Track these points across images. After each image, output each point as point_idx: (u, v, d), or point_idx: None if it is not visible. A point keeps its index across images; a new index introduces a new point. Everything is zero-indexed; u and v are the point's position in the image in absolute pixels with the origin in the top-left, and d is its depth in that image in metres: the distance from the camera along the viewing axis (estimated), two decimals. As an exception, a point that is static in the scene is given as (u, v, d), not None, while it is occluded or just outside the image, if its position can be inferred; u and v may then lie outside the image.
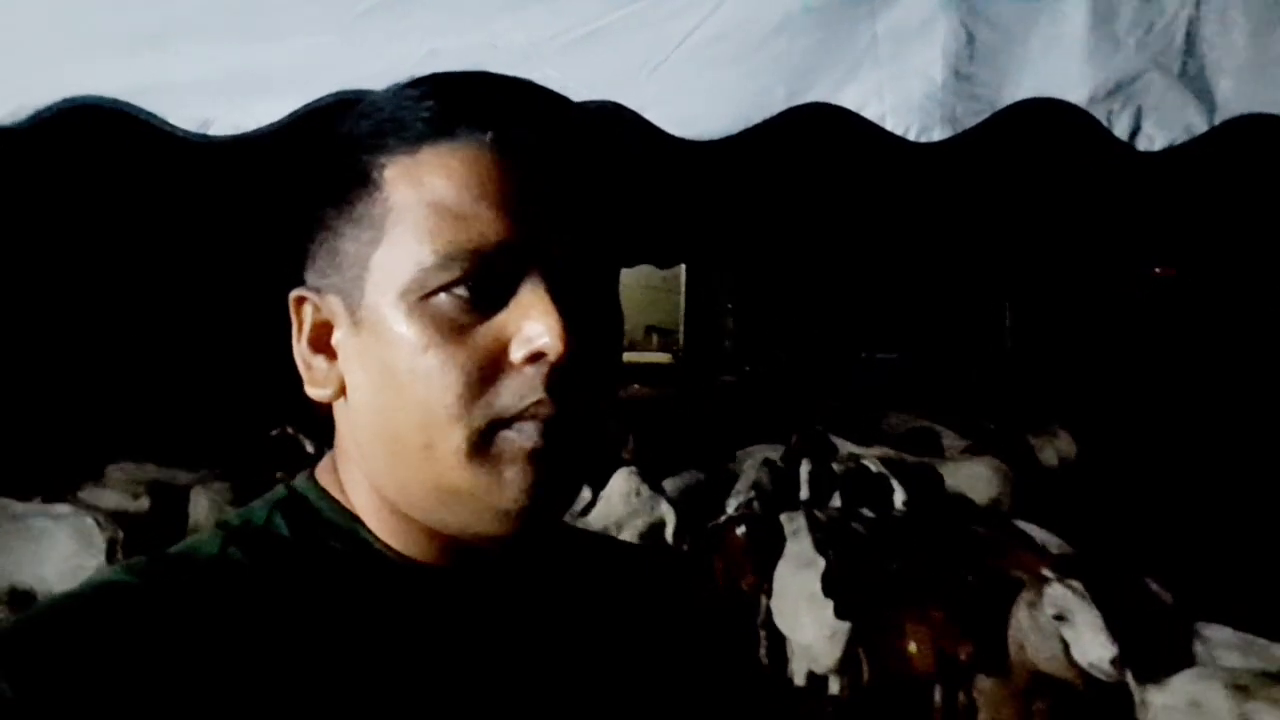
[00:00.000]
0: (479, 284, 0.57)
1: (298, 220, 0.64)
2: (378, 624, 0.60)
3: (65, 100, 1.23)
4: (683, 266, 11.09)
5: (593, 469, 0.65)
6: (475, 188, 0.57)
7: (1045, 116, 1.48)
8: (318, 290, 0.62)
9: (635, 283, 12.94)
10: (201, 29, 1.28)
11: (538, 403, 0.56)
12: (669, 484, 3.66)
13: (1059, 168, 3.76)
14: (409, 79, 0.63)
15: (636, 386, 7.01)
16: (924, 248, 6.44)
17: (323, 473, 0.66)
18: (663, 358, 12.10)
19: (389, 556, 0.62)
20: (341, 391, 0.63)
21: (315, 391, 0.64)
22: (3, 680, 0.50)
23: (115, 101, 1.26)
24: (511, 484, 0.57)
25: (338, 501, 0.64)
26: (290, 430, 4.21)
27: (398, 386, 0.59)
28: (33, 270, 4.74)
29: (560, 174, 0.59)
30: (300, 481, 0.67)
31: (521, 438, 0.57)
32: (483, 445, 0.57)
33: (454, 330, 0.57)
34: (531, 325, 0.57)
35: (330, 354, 0.63)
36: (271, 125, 1.29)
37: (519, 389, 0.57)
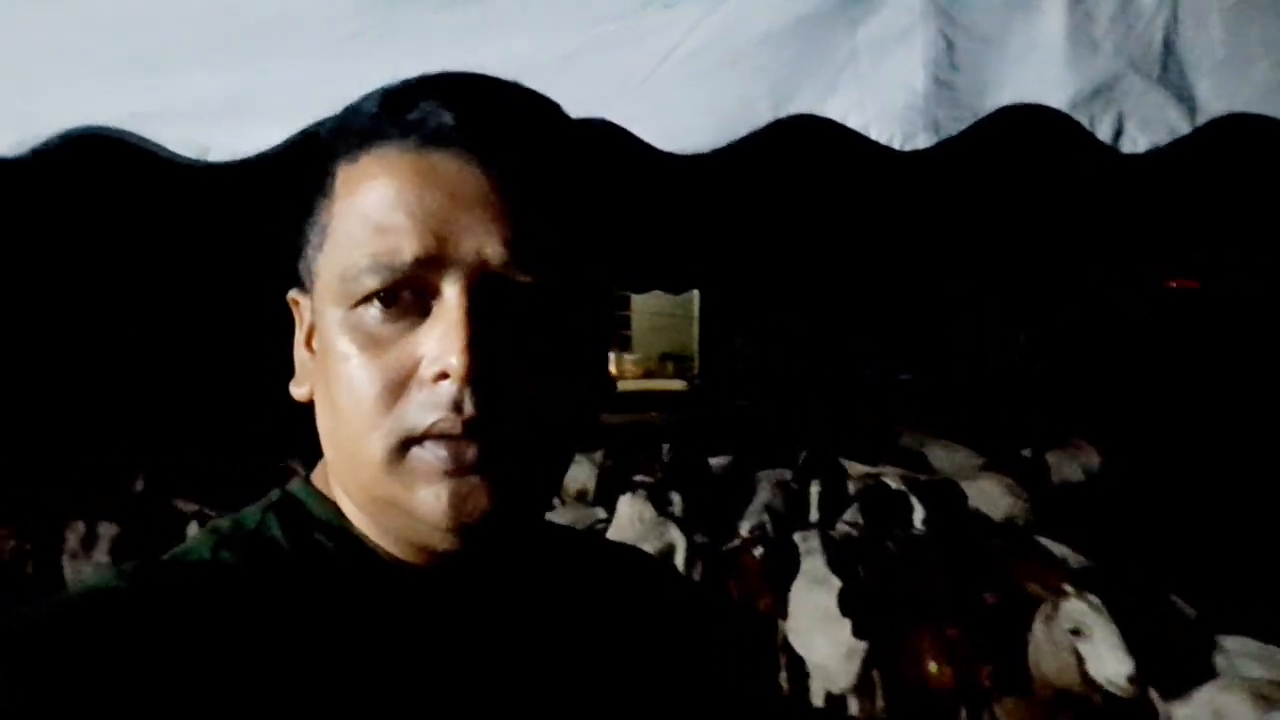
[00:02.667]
0: (397, 297, 0.57)
1: (290, 223, 0.65)
2: (371, 626, 0.60)
3: (67, 130, 1.28)
4: (696, 293, 11.11)
5: (540, 486, 0.62)
6: (395, 197, 0.57)
7: (1033, 123, 1.50)
8: (305, 291, 0.64)
9: (648, 310, 12.98)
10: (197, 56, 1.32)
11: (440, 421, 0.55)
12: (678, 506, 3.65)
13: (1063, 177, 3.76)
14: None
15: (654, 414, 7.00)
16: (934, 264, 6.43)
17: (318, 477, 0.67)
18: (678, 385, 12.09)
19: (381, 558, 0.62)
20: (311, 395, 0.64)
21: (293, 389, 0.66)
22: None
23: (115, 130, 1.30)
24: (426, 500, 0.57)
25: (332, 504, 0.64)
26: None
27: (331, 394, 0.60)
28: (35, 296, 4.78)
29: (502, 182, 0.57)
30: (295, 485, 0.67)
31: (429, 455, 0.56)
32: (397, 460, 0.57)
33: (373, 342, 0.57)
34: (438, 343, 0.56)
35: (312, 354, 0.64)
36: (269, 150, 1.33)
37: (425, 406, 0.56)
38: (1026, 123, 1.49)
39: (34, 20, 1.30)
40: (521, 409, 0.57)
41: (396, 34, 1.30)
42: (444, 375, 0.55)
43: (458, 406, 0.55)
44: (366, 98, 0.62)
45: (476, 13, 1.36)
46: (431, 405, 0.56)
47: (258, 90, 1.33)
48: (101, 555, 3.42)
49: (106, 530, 3.49)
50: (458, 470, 0.56)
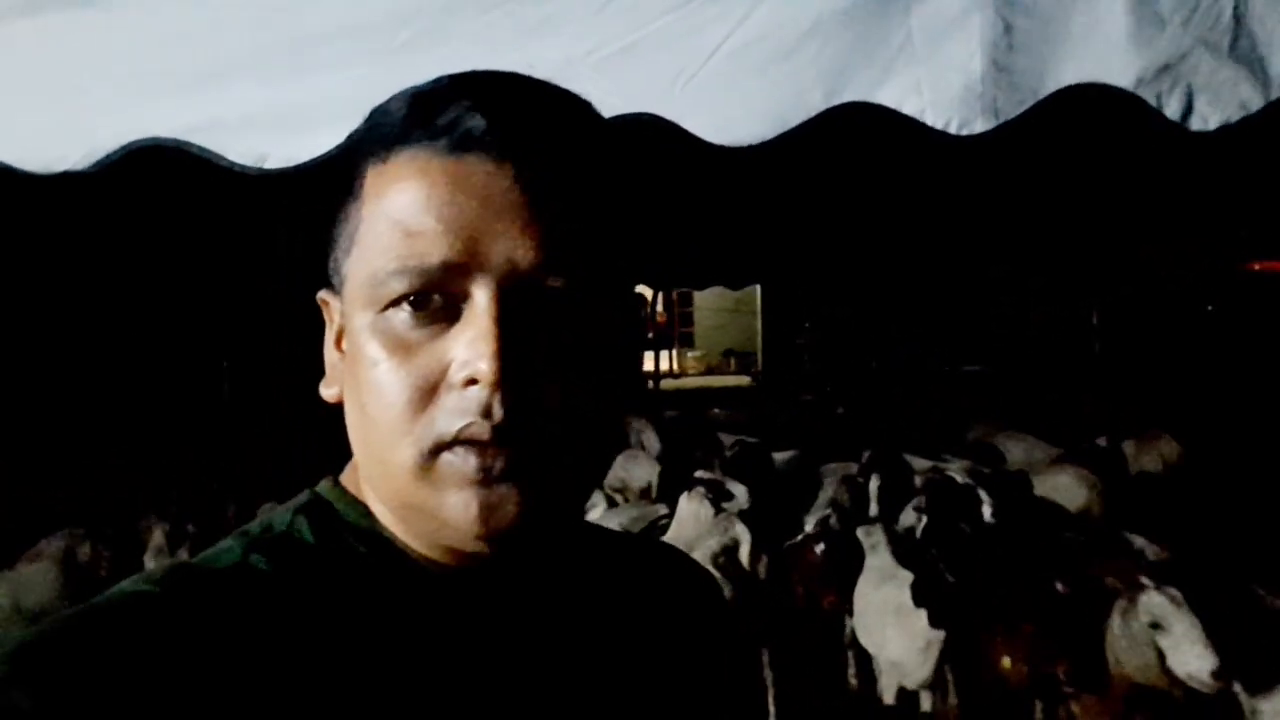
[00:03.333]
0: (427, 301, 0.56)
1: (320, 225, 0.65)
2: (401, 629, 0.59)
3: (130, 142, 1.31)
4: (758, 288, 11.05)
5: (571, 492, 0.61)
6: (425, 200, 0.56)
7: (1096, 105, 1.46)
8: (336, 293, 0.64)
9: (710, 306, 12.95)
10: (252, 68, 1.35)
11: (470, 426, 0.55)
12: (742, 500, 3.64)
13: (1130, 158, 3.65)
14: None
15: (717, 410, 6.97)
16: (999, 251, 6.30)
17: (348, 478, 0.66)
18: (742, 380, 12.04)
19: (413, 559, 0.62)
20: (341, 398, 0.64)
21: (323, 390, 0.65)
22: (20, 693, 0.48)
23: (176, 141, 1.33)
24: (457, 507, 0.56)
25: (362, 506, 0.64)
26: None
27: (360, 398, 0.59)
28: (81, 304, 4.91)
29: (533, 186, 0.56)
30: (324, 486, 0.67)
31: (459, 461, 0.56)
32: (427, 466, 0.56)
33: (403, 347, 0.57)
34: (468, 348, 0.55)
35: (342, 355, 0.64)
36: (323, 155, 1.35)
37: (455, 412, 0.55)
38: (1085, 105, 1.45)
39: (94, 38, 1.34)
40: (552, 415, 0.56)
41: (447, 39, 1.32)
42: (473, 380, 0.55)
43: (487, 412, 0.54)
44: (394, 98, 0.61)
45: (523, 17, 1.36)
46: (461, 411, 0.55)
47: (312, 99, 1.35)
48: (184, 556, 3.48)
49: (184, 530, 3.57)
50: (487, 478, 0.55)
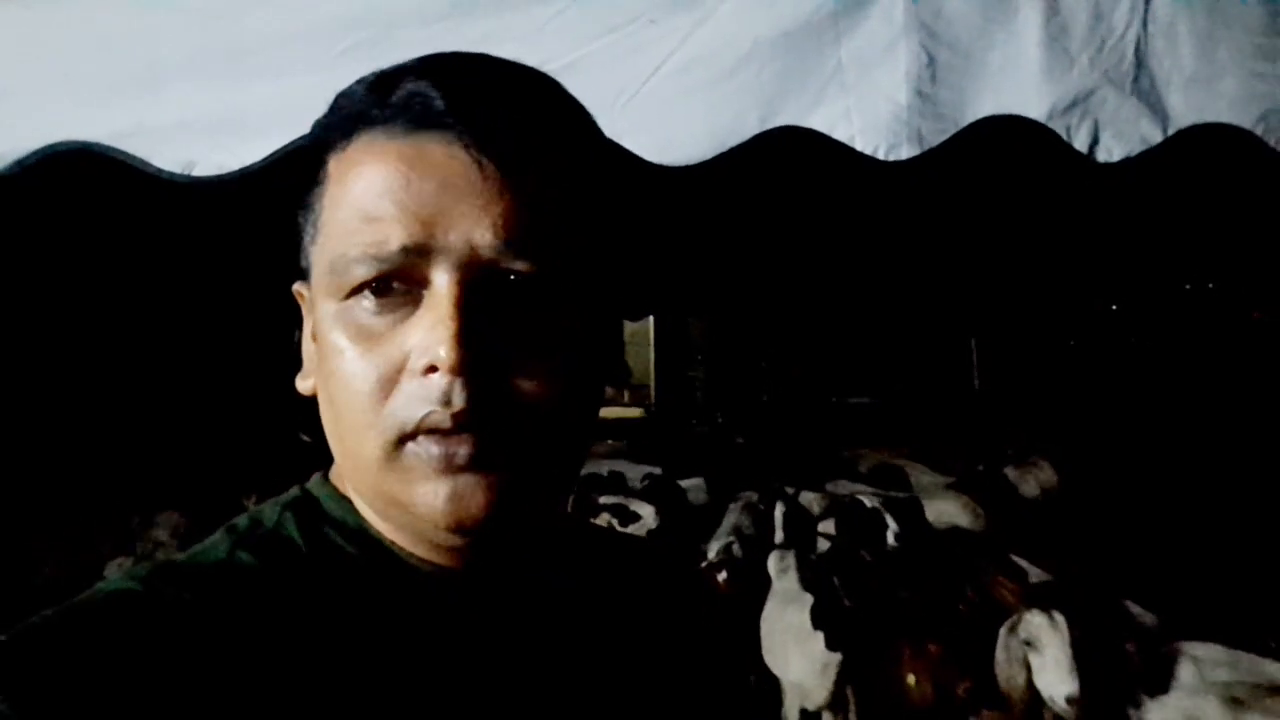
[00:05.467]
0: (388, 288, 0.55)
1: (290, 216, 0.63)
2: (389, 626, 0.59)
3: (49, 146, 1.25)
4: (651, 319, 11.15)
5: (545, 481, 0.60)
6: (383, 184, 0.55)
7: (1009, 136, 1.54)
8: (305, 283, 0.62)
9: (605, 338, 12.94)
10: (183, 72, 1.31)
11: (431, 414, 0.54)
12: (646, 522, 3.65)
13: (1011, 206, 3.85)
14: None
15: (610, 442, 6.97)
16: (888, 290, 6.53)
17: (335, 474, 0.65)
18: (634, 412, 12.09)
19: (398, 556, 0.61)
20: (315, 390, 0.62)
21: (299, 383, 0.64)
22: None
23: (99, 146, 1.27)
24: (425, 496, 0.55)
25: (350, 502, 0.63)
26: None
27: (328, 389, 0.58)
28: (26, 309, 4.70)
29: (494, 167, 0.54)
30: (313, 483, 0.66)
31: (422, 451, 0.55)
32: (393, 456, 0.55)
33: (365, 335, 0.56)
34: (427, 334, 0.54)
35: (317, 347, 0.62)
36: (254, 165, 1.31)
37: (416, 400, 0.54)
38: (991, 140, 1.53)
39: (20, 38, 1.28)
40: (517, 403, 0.55)
41: (388, 50, 1.28)
42: (433, 368, 0.53)
43: (447, 399, 0.53)
44: (358, 82, 0.60)
45: (468, 30, 1.36)
46: (421, 398, 0.54)
47: (246, 106, 1.31)
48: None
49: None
50: (451, 467, 0.54)
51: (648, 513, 3.66)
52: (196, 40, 1.30)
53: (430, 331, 0.53)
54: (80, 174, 1.33)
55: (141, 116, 1.29)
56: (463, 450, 0.54)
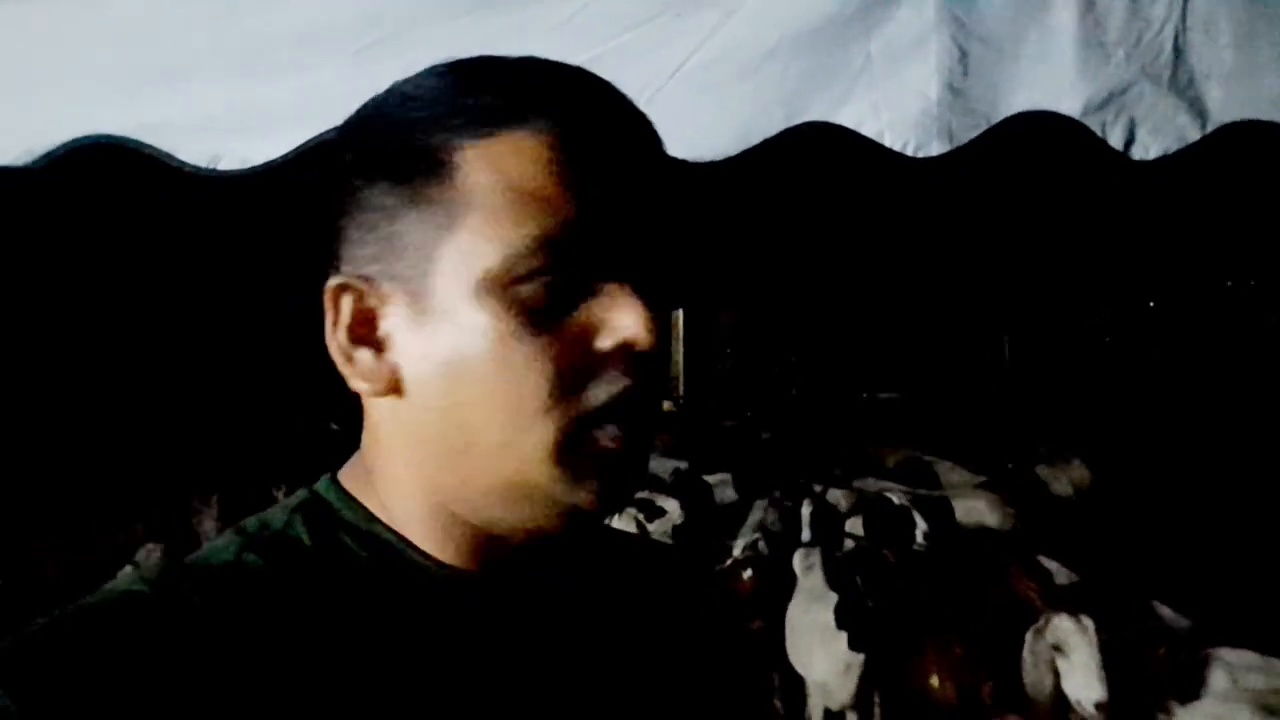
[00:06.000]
0: (564, 272, 0.56)
1: (328, 210, 0.62)
2: (401, 628, 0.58)
3: (76, 139, 1.26)
4: (680, 311, 11.13)
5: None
6: (558, 173, 0.56)
7: (1041, 133, 1.51)
8: (366, 279, 0.59)
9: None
10: (208, 66, 1.31)
11: (626, 391, 0.56)
12: (672, 517, 3.64)
13: (1047, 204, 3.80)
14: (445, 62, 0.61)
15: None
16: (918, 285, 6.47)
17: (347, 476, 0.65)
18: (664, 405, 12.08)
19: (413, 559, 0.61)
20: (393, 386, 0.60)
21: (361, 385, 0.61)
22: (5, 695, 0.48)
23: (125, 139, 1.28)
24: (589, 484, 0.56)
25: (361, 505, 0.63)
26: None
27: (476, 380, 0.57)
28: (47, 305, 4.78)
29: (634, 165, 0.58)
30: (322, 485, 0.65)
31: (606, 437, 0.56)
32: (569, 444, 0.56)
33: (539, 320, 0.56)
34: (621, 316, 0.56)
35: (377, 346, 0.60)
36: (279, 159, 1.31)
37: (608, 381, 0.56)
38: (1023, 136, 1.50)
39: (45, 31, 1.29)
40: (662, 392, 0.59)
41: (410, 45, 1.29)
42: (622, 348, 0.56)
43: (640, 380, 0.56)
44: (447, 75, 0.60)
45: (489, 26, 1.36)
46: (614, 378, 0.56)
47: (270, 101, 1.32)
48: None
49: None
50: (626, 449, 0.57)
51: (673, 507, 3.65)
52: (221, 34, 1.30)
53: (625, 314, 0.55)
54: (108, 167, 1.34)
55: (167, 110, 1.30)
56: (637, 435, 0.57)
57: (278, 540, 0.61)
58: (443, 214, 0.57)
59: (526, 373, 0.55)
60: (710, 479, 4.65)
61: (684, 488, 4.24)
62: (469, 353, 0.57)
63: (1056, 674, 2.61)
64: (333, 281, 0.61)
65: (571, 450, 0.56)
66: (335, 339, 0.61)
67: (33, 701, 0.48)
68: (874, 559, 3.44)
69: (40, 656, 0.50)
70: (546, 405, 0.55)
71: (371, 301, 0.60)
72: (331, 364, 0.61)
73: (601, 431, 0.56)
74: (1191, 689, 2.67)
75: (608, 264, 0.57)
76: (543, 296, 0.56)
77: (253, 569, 0.58)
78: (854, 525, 3.74)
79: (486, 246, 0.56)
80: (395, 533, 0.62)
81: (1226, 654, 2.78)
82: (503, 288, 0.56)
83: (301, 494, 0.65)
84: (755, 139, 1.40)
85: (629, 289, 0.56)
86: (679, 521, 3.52)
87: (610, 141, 0.58)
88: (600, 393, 0.56)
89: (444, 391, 0.58)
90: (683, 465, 4.75)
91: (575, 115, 0.57)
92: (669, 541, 3.36)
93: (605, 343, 0.56)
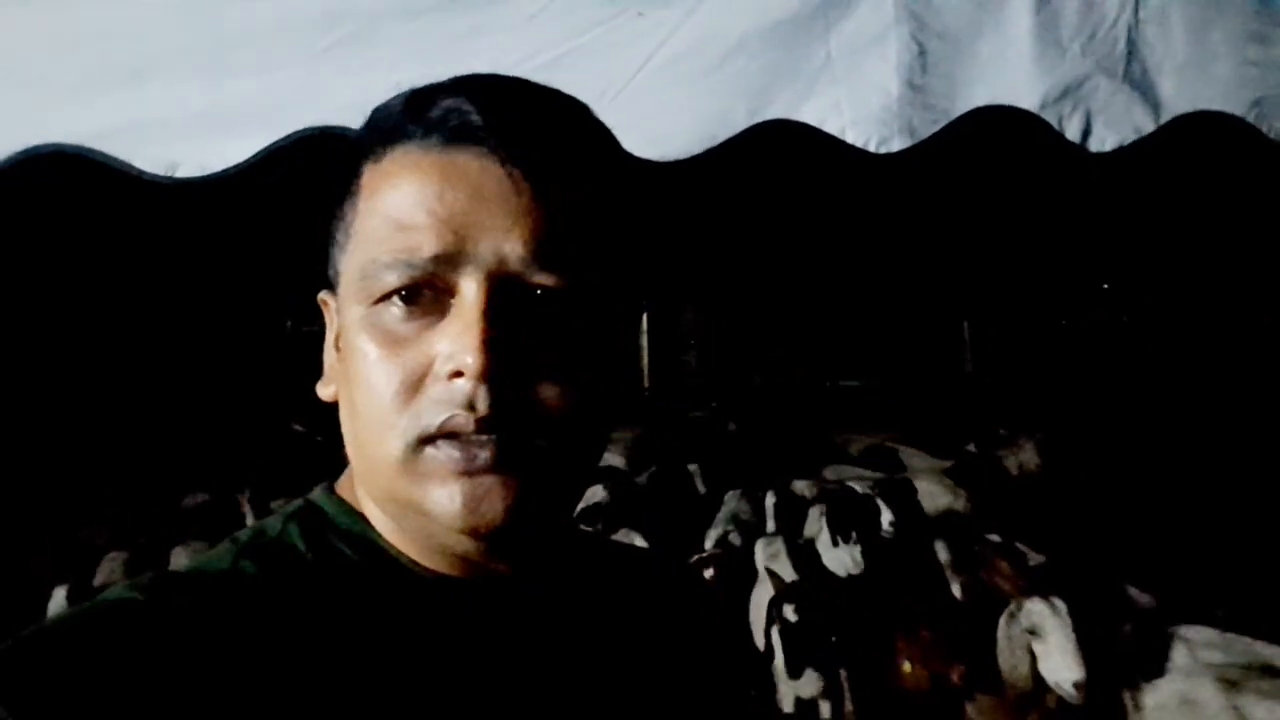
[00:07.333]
0: (417, 295, 0.56)
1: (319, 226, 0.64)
2: (395, 635, 0.59)
3: (27, 149, 1.23)
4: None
5: (559, 491, 0.61)
6: (417, 195, 0.56)
7: (1000, 126, 1.53)
8: (333, 292, 0.63)
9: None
10: (164, 70, 1.28)
11: (454, 418, 0.55)
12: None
13: (1009, 193, 3.84)
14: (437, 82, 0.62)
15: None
16: (880, 275, 6.53)
17: (343, 485, 0.66)
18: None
19: (406, 567, 0.62)
20: (336, 399, 0.63)
21: (320, 389, 0.65)
22: None
23: (78, 148, 1.25)
24: (440, 501, 0.56)
25: (356, 512, 0.64)
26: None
27: (351, 394, 0.59)
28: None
29: (525, 182, 0.56)
30: (317, 494, 0.66)
31: (442, 455, 0.56)
32: (412, 459, 0.56)
33: (392, 340, 0.57)
34: (454, 341, 0.55)
35: (340, 355, 0.63)
36: (239, 165, 1.29)
37: (440, 404, 0.55)
38: (983, 130, 1.52)
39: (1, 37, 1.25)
40: (538, 411, 0.56)
41: (374, 44, 1.28)
42: (459, 373, 0.54)
43: (471, 404, 0.54)
44: (395, 98, 0.61)
45: (452, 25, 1.34)
46: (445, 402, 0.55)
47: (229, 104, 1.29)
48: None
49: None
50: (471, 470, 0.55)
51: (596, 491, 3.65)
52: (178, 36, 1.28)
53: (457, 338, 0.54)
54: (66, 174, 1.31)
55: (122, 115, 1.27)
56: (483, 454, 0.55)
57: (273, 548, 0.62)
58: (346, 233, 0.60)
59: (377, 389, 0.57)
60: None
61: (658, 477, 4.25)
62: (350, 367, 0.59)
63: (1033, 657, 2.65)
64: (320, 295, 0.65)
65: (414, 468, 0.56)
66: (326, 348, 0.65)
67: (28, 709, 0.48)
68: (835, 545, 3.44)
69: (32, 663, 0.50)
70: (390, 422, 0.56)
71: (334, 315, 0.63)
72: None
73: (435, 450, 0.56)
74: (1155, 666, 2.72)
75: (461, 287, 0.56)
76: (396, 317, 0.57)
77: (248, 576, 0.59)
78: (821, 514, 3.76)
79: (356, 267, 0.58)
80: (388, 540, 0.62)
81: (1187, 631, 2.83)
82: (369, 307, 0.57)
83: (297, 503, 0.66)
84: (720, 137, 1.41)
85: (473, 312, 0.55)
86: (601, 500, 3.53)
87: (493, 162, 0.56)
88: (432, 415, 0.55)
89: (344, 404, 0.61)
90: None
91: (451, 136, 0.57)
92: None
93: (440, 368, 0.55)
